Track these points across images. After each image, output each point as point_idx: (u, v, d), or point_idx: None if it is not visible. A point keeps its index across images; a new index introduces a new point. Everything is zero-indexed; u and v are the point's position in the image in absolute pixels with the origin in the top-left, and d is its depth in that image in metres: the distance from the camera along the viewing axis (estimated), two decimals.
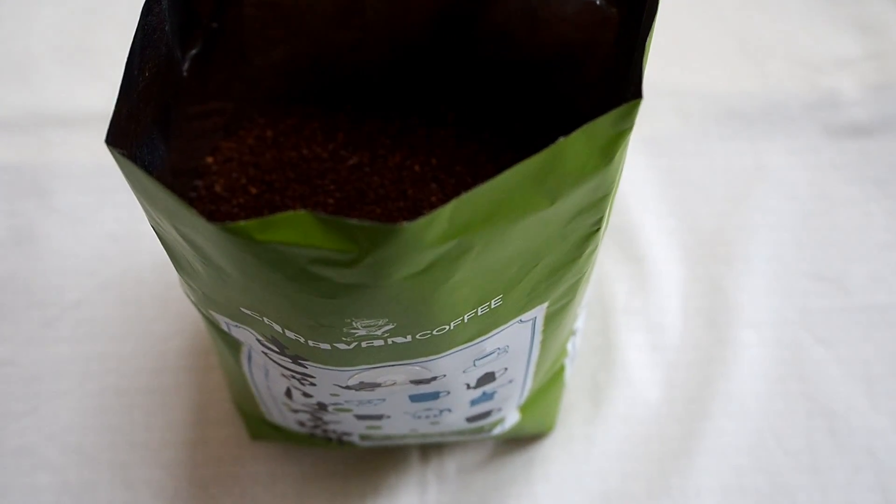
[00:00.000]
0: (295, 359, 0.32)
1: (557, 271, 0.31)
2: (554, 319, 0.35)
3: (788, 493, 0.49)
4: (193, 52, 0.37)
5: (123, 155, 0.25)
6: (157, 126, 0.33)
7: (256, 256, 0.25)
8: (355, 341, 0.30)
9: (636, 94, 0.26)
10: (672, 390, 0.53)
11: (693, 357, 0.53)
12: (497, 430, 0.44)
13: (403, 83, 0.44)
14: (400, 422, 0.40)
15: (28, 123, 0.61)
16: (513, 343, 0.35)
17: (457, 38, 0.41)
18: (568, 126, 0.42)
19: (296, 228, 0.24)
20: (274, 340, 0.32)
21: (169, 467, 0.50)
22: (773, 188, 0.59)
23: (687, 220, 0.58)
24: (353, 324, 0.28)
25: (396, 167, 0.42)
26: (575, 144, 0.25)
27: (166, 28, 0.32)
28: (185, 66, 0.37)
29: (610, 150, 0.26)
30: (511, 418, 0.44)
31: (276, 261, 0.25)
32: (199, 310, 0.36)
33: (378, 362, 0.32)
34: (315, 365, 0.32)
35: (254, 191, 0.41)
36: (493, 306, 0.31)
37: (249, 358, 0.36)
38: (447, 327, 0.30)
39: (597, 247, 0.33)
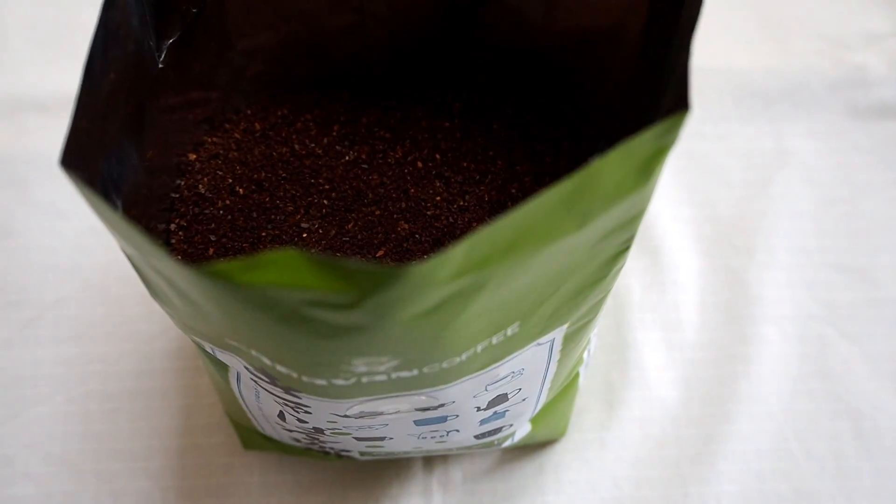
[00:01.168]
0: (287, 390, 0.29)
1: (581, 293, 0.28)
2: (573, 338, 0.32)
3: (812, 499, 0.46)
4: (171, 40, 0.34)
5: (82, 179, 0.21)
6: (128, 132, 0.29)
7: (240, 299, 0.22)
8: (355, 377, 0.27)
9: (681, 105, 0.22)
10: (690, 391, 0.50)
11: (712, 355, 0.51)
12: (507, 443, 0.41)
13: (405, 71, 0.40)
14: (403, 442, 0.37)
15: (1, 109, 0.57)
16: (529, 365, 0.31)
17: (463, 21, 0.38)
18: (585, 118, 0.39)
19: (285, 270, 0.20)
20: (263, 371, 0.29)
21: (157, 477, 0.47)
22: (795, 173, 0.56)
23: (704, 209, 0.55)
24: (353, 362, 0.25)
25: (397, 163, 0.39)
26: (611, 165, 0.22)
27: (133, 22, 0.28)
28: (162, 56, 0.33)
29: (648, 168, 0.23)
30: (522, 430, 0.41)
31: (263, 303, 0.22)
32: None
33: (380, 394, 0.29)
34: (310, 397, 0.29)
35: (241, 191, 0.38)
36: (508, 334, 0.27)
37: (238, 379, 0.33)
38: (458, 359, 0.27)
39: (624, 264, 0.29)
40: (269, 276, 0.20)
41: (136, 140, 0.30)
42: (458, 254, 0.21)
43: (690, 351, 0.51)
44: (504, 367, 0.30)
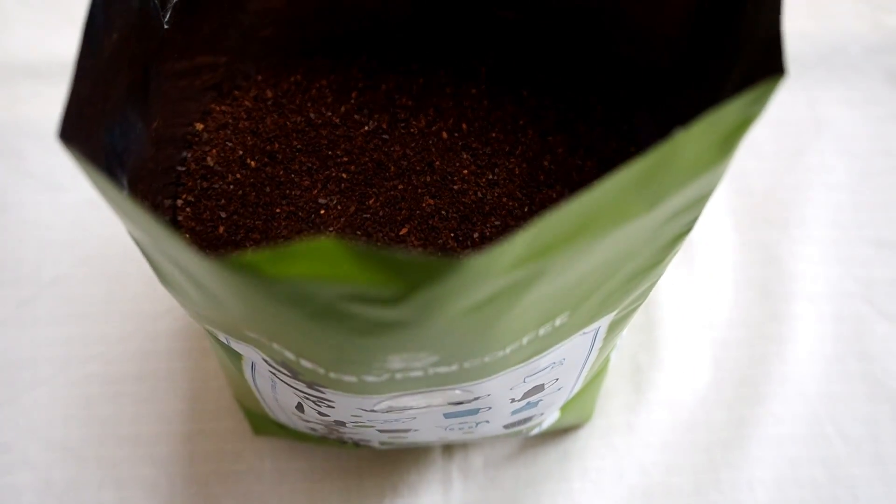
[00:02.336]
0: (311, 384, 0.27)
1: (635, 278, 0.26)
2: (618, 325, 0.30)
3: (848, 485, 0.44)
4: (175, 0, 0.31)
5: (84, 154, 0.18)
6: (133, 99, 0.26)
7: (268, 293, 0.19)
8: (388, 373, 0.24)
9: (771, 68, 0.20)
10: (721, 372, 0.47)
11: (744, 335, 0.48)
12: (535, 431, 0.39)
13: (427, 31, 0.37)
14: (428, 433, 0.35)
15: None
16: (570, 355, 0.29)
17: None
18: (621, 81, 0.36)
19: (323, 261, 0.17)
20: (285, 365, 0.26)
21: (163, 464, 0.45)
22: (831, 143, 0.53)
23: (735, 181, 0.52)
24: (389, 358, 0.22)
25: (420, 134, 0.36)
26: (693, 139, 0.19)
27: None
28: (166, 17, 0.30)
29: (730, 141, 0.20)
30: (551, 418, 0.39)
31: (294, 298, 0.19)
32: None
33: (413, 390, 0.27)
34: (336, 392, 0.27)
35: (253, 164, 0.35)
36: (557, 325, 0.25)
37: (253, 369, 0.31)
38: (502, 352, 0.25)
39: (680, 248, 0.27)
40: (303, 268, 0.18)
41: (141, 109, 0.27)
42: (520, 242, 0.18)
43: (721, 330, 0.48)
44: (546, 359, 0.28)
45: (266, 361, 0.27)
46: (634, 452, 0.45)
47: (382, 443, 0.37)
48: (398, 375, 0.24)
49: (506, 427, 0.36)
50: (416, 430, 0.34)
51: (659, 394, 0.47)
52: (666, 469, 0.45)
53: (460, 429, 0.34)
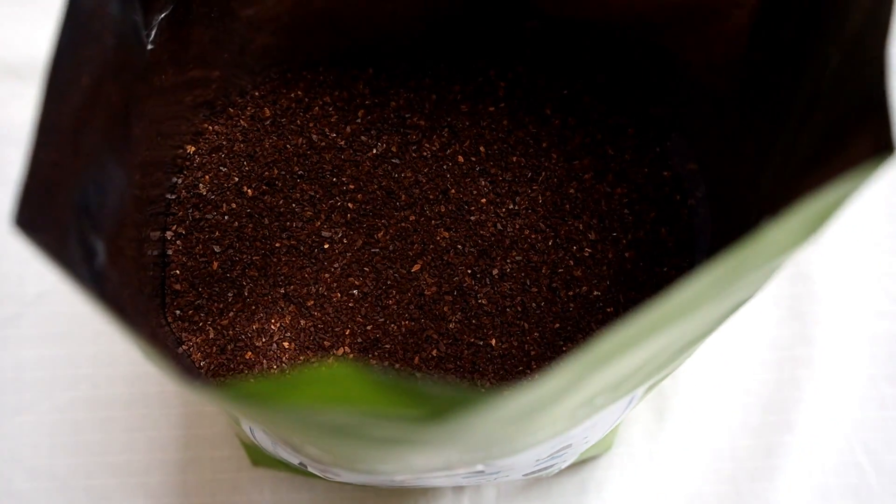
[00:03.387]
0: (318, 465, 0.24)
1: (689, 348, 0.23)
2: (657, 384, 0.27)
3: None
4: (162, 14, 0.27)
5: (48, 243, 0.15)
6: (111, 143, 0.23)
7: (271, 417, 0.16)
8: (406, 465, 0.21)
9: (881, 144, 0.16)
10: (748, 396, 0.45)
11: (772, 356, 0.45)
12: (553, 472, 0.37)
13: (440, 43, 0.33)
14: (442, 484, 0.32)
15: None
16: (604, 418, 0.26)
17: None
18: (655, 101, 0.33)
19: (337, 387, 0.14)
20: (289, 444, 0.23)
21: (155, 494, 0.42)
22: None
23: None
24: (409, 458, 0.20)
25: (434, 157, 0.33)
26: (784, 230, 0.16)
27: (111, 9, 0.22)
28: (151, 36, 0.27)
29: (821, 222, 0.17)
30: (571, 459, 0.36)
31: (302, 420, 0.16)
32: None
33: (430, 471, 0.24)
34: (346, 472, 0.24)
35: (249, 192, 0.32)
36: (597, 404, 0.22)
37: (253, 431, 0.28)
38: (533, 439, 0.22)
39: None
40: (315, 394, 0.15)
41: (120, 151, 0.24)
42: (572, 369, 0.15)
43: (748, 352, 0.45)
44: (579, 428, 0.25)
45: (268, 435, 0.24)
46: (656, 483, 0.43)
47: (391, 490, 0.35)
48: (417, 465, 0.22)
49: (525, 476, 0.33)
50: (430, 485, 0.31)
51: (681, 420, 0.44)
52: (689, 500, 0.43)
53: (476, 482, 0.31)
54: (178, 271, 0.31)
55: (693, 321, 0.18)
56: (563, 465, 0.36)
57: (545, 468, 0.33)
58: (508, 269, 0.31)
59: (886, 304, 0.46)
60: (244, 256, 0.31)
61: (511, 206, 0.32)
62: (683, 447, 0.44)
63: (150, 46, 0.27)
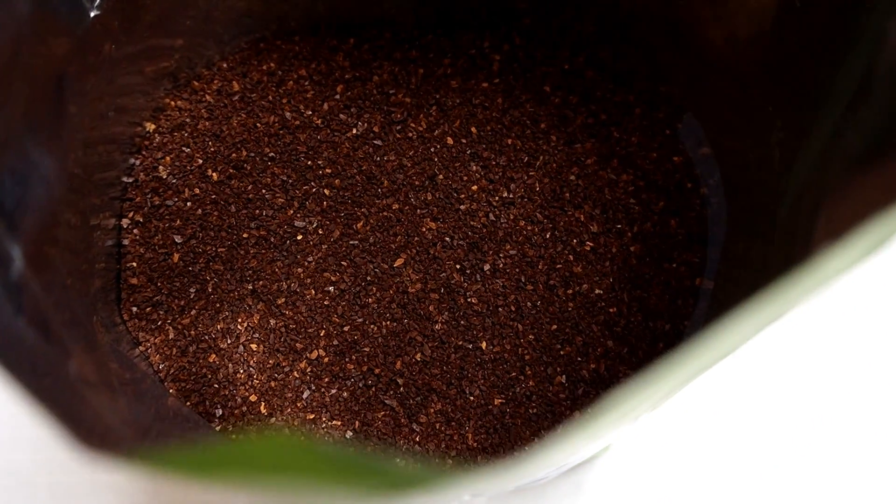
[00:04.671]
0: None
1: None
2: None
3: None
4: None
5: None
6: (33, 126, 0.20)
7: (206, 482, 0.13)
8: None
9: None
10: (748, 396, 0.42)
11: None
12: (544, 481, 0.34)
13: (429, 10, 0.30)
14: None
15: None
16: (603, 441, 0.23)
17: None
18: (665, 79, 0.30)
19: (282, 462, 0.12)
20: None
21: (127, 491, 0.39)
22: None
23: None
24: None
25: (420, 139, 0.29)
26: (838, 258, 0.13)
27: None
28: (96, 1, 0.23)
29: (877, 248, 0.14)
30: (565, 469, 0.33)
31: (239, 485, 0.13)
32: None
33: None
34: None
35: (215, 176, 0.28)
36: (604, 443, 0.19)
37: None
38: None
39: None
40: (246, 469, 0.12)
41: (51, 125, 0.21)
42: (570, 441, 0.12)
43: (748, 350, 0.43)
44: (584, 451, 0.22)
45: None
46: (657, 483, 0.40)
47: None
48: None
49: (517, 488, 0.31)
50: None
51: (680, 419, 0.42)
52: (686, 500, 0.40)
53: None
54: (134, 263, 0.28)
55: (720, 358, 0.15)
56: (556, 475, 0.34)
57: (536, 480, 0.31)
58: (501, 265, 0.28)
59: None
60: (208, 248, 0.28)
61: (505, 195, 0.29)
62: (687, 444, 0.41)
63: (93, 12, 0.24)
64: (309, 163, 0.29)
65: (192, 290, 0.28)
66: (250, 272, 0.28)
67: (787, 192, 0.22)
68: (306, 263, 0.28)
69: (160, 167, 0.29)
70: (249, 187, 0.28)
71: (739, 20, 0.25)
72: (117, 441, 0.16)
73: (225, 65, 0.30)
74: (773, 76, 0.24)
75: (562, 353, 0.28)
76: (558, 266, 0.29)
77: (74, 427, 0.13)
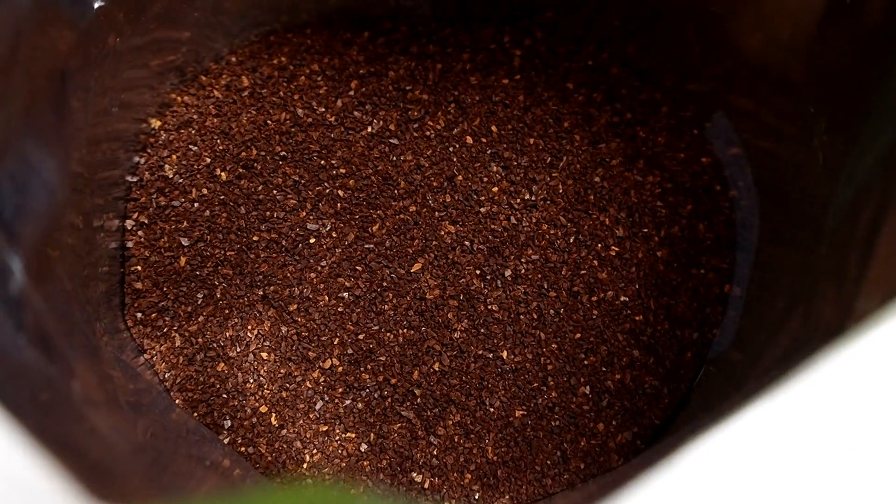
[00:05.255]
0: None
1: None
2: None
3: None
4: None
5: None
6: (35, 125, 0.18)
7: None
8: None
9: None
10: None
11: None
12: None
13: (447, 3, 0.29)
14: None
15: None
16: None
17: None
18: (695, 77, 0.28)
19: None
20: None
21: None
22: None
23: None
24: None
25: (438, 138, 0.28)
26: None
27: None
28: None
29: None
30: None
31: None
32: None
33: None
34: None
35: (224, 176, 0.27)
36: None
37: None
38: None
39: None
40: None
41: (52, 122, 0.19)
42: None
43: None
44: None
45: None
46: None
47: None
48: None
49: None
50: None
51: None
52: None
53: None
54: (139, 267, 0.26)
55: None
56: None
57: None
58: (523, 270, 0.27)
59: None
60: (216, 251, 0.27)
61: (527, 197, 0.27)
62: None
63: (98, 3, 0.22)
64: (322, 162, 0.27)
65: (199, 295, 0.26)
66: (261, 277, 0.27)
67: (835, 200, 0.21)
68: (319, 268, 0.27)
69: (166, 166, 0.27)
70: (260, 188, 0.27)
71: (781, 19, 0.24)
72: (131, 491, 0.15)
73: (234, 59, 0.29)
74: (817, 77, 0.23)
75: (585, 362, 0.27)
76: (582, 272, 0.27)
77: (85, 479, 0.12)
